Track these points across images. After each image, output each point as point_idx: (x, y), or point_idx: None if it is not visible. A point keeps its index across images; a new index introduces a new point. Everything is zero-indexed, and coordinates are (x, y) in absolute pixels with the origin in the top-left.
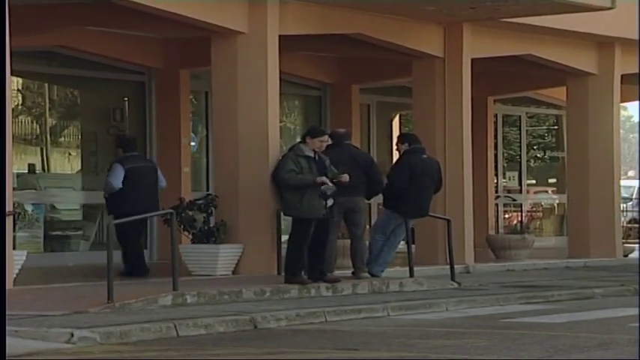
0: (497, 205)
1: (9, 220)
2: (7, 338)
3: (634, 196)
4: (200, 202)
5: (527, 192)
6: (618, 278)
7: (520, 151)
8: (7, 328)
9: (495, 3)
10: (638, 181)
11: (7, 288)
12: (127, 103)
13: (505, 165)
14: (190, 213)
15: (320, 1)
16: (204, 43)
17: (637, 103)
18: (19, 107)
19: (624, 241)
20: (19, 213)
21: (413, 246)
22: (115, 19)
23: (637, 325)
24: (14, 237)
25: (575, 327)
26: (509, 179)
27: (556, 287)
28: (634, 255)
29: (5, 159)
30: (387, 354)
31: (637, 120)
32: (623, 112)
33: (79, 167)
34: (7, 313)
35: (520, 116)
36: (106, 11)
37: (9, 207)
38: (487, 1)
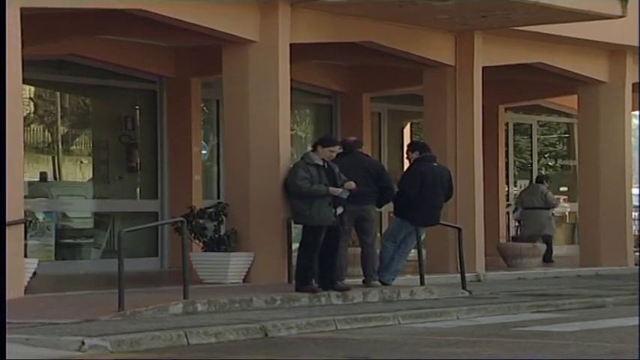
0: (508, 213)
1: (19, 228)
2: (18, 346)
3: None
4: (211, 210)
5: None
6: (630, 287)
7: (531, 159)
8: (18, 336)
9: (506, 11)
10: None
11: (17, 296)
12: (138, 111)
13: (516, 173)
14: (201, 221)
15: (331, 10)
16: (215, 51)
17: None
18: (31, 115)
19: (636, 249)
20: (31, 221)
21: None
22: (127, 27)
23: None
24: (26, 245)
25: (587, 336)
26: (521, 187)
27: (567, 296)
28: None
29: (5, 166)
30: None
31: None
32: (634, 121)
33: (91, 175)
34: (18, 321)
35: (531, 124)
36: (117, 20)
37: (20, 215)
38: (498, 10)
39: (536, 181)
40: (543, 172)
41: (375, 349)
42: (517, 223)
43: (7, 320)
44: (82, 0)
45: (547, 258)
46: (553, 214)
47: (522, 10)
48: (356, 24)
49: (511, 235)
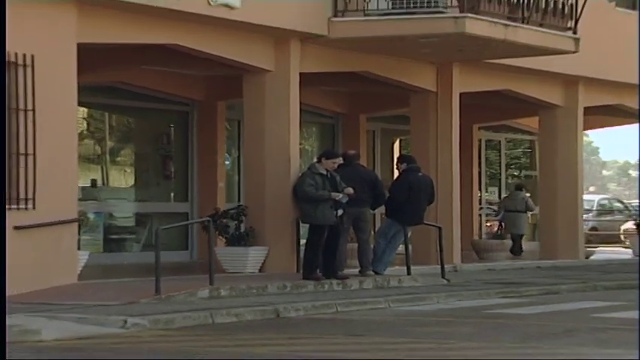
0: (480, 214)
1: (74, 226)
2: (71, 324)
3: (594, 208)
4: (233, 211)
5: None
6: (581, 277)
7: (500, 170)
8: (71, 315)
9: (479, 47)
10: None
11: (71, 282)
12: (173, 129)
13: (487, 181)
14: (224, 220)
15: (334, 45)
16: (237, 79)
17: (596, 130)
18: (84, 132)
19: (586, 245)
20: (83, 220)
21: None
22: (165, 59)
23: (599, 315)
24: (79, 239)
25: (545, 317)
26: (491, 193)
27: (529, 284)
28: (594, 257)
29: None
30: (387, 339)
31: (596, 145)
32: (585, 138)
33: (133, 182)
34: (71, 303)
35: (500, 141)
36: (157, 53)
37: (74, 215)
38: (472, 46)
39: (516, 189)
40: (514, 181)
41: (369, 327)
42: (499, 224)
43: (62, 302)
44: (128, 37)
45: (517, 252)
46: (529, 216)
47: (492, 46)
48: (354, 56)
49: (495, 233)
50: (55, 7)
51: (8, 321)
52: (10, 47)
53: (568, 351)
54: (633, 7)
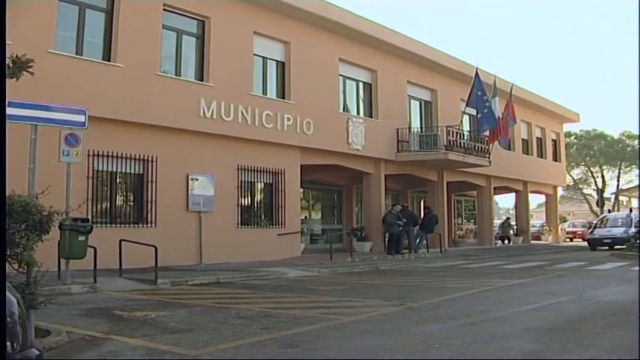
0: (454, 229)
1: (298, 235)
2: (295, 270)
3: (497, 225)
4: (359, 227)
5: (465, 224)
6: (493, 251)
7: (462, 211)
8: (295, 268)
9: (451, 164)
10: (499, 220)
11: (298, 255)
12: (336, 196)
13: (457, 216)
14: (356, 231)
15: (399, 163)
16: (360, 176)
17: (497, 195)
18: (302, 198)
19: (495, 239)
20: (302, 232)
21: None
22: (334, 169)
23: (502, 267)
24: (302, 240)
25: (480, 268)
26: (459, 220)
27: (474, 255)
28: (498, 245)
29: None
30: (421, 277)
31: (496, 200)
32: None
33: (320, 217)
34: (297, 263)
35: (462, 200)
36: (331, 167)
37: (298, 229)
38: (451, 163)
39: (506, 220)
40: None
41: (412, 273)
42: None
43: (295, 263)
44: (321, 161)
45: (510, 241)
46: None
47: (458, 163)
48: (405, 168)
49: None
50: (291, 150)
51: (278, 269)
52: (275, 166)
53: (489, 280)
54: (509, 149)
